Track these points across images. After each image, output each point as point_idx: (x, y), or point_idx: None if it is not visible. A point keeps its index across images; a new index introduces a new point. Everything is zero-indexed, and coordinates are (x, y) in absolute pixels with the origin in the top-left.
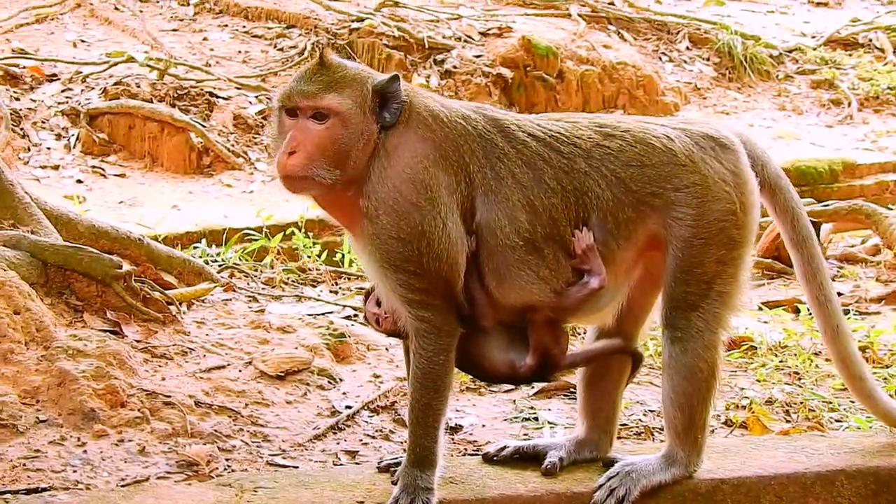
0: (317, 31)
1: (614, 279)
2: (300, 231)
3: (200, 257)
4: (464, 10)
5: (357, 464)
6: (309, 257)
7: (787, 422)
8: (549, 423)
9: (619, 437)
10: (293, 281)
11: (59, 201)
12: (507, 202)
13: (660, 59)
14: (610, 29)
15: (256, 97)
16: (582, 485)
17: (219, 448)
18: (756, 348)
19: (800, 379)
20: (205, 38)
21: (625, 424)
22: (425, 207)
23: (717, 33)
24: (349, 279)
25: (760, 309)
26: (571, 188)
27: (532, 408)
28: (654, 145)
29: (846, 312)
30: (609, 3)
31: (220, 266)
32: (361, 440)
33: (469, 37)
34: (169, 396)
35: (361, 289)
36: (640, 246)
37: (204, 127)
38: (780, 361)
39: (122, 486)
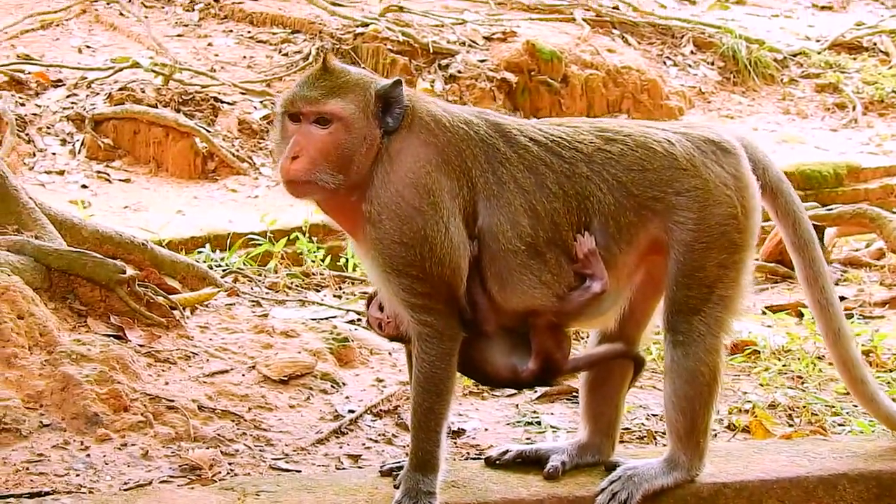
0: (321, 36)
1: (616, 283)
2: (304, 236)
3: (204, 262)
4: (468, 15)
5: (360, 468)
6: (313, 262)
7: (790, 426)
8: (551, 427)
9: (621, 441)
10: (297, 285)
11: (64, 206)
12: (509, 207)
13: (664, 63)
14: (614, 33)
15: (261, 102)
16: (584, 489)
17: (222, 452)
18: (759, 352)
19: (803, 383)
20: (210, 44)
21: (627, 428)
22: (428, 212)
23: (722, 37)
24: (353, 283)
25: (764, 313)
26: (573, 192)
27: (535, 412)
28: (655, 149)
29: (850, 316)
30: (613, 8)
31: (224, 271)
32: (364, 444)
33: (473, 41)
34: (172, 401)
35: (365, 293)
36: (641, 250)
37: (209, 132)
38: (784, 365)
39: (125, 489)
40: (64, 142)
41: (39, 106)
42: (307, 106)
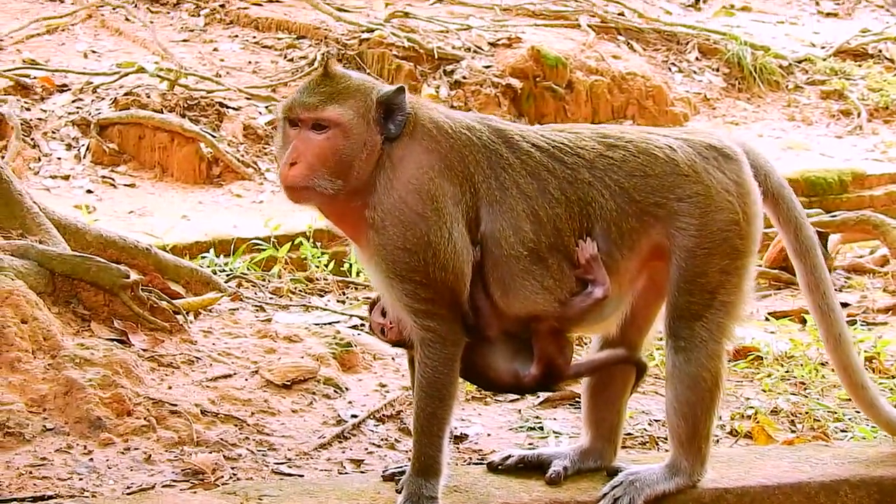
0: (327, 41)
1: (618, 289)
2: (308, 241)
3: (208, 267)
4: (473, 21)
5: (362, 472)
6: (317, 267)
7: (792, 432)
8: (554, 432)
9: (623, 447)
10: (300, 290)
11: (69, 211)
12: (511, 212)
13: (669, 69)
14: (619, 39)
15: (266, 107)
16: (586, 494)
17: (224, 456)
18: (762, 358)
19: (805, 389)
20: (215, 49)
21: (630, 434)
22: (431, 218)
23: (727, 44)
24: (357, 289)
25: (767, 319)
26: (575, 198)
27: (537, 417)
28: (656, 155)
29: (853, 323)
30: (619, 14)
31: (227, 276)
32: (367, 449)
33: (478, 47)
34: (175, 405)
35: (368, 298)
36: (643, 256)
37: (214, 137)
38: (786, 372)
39: (128, 494)
40: (69, 146)
41: (45, 111)
42: (305, 112)
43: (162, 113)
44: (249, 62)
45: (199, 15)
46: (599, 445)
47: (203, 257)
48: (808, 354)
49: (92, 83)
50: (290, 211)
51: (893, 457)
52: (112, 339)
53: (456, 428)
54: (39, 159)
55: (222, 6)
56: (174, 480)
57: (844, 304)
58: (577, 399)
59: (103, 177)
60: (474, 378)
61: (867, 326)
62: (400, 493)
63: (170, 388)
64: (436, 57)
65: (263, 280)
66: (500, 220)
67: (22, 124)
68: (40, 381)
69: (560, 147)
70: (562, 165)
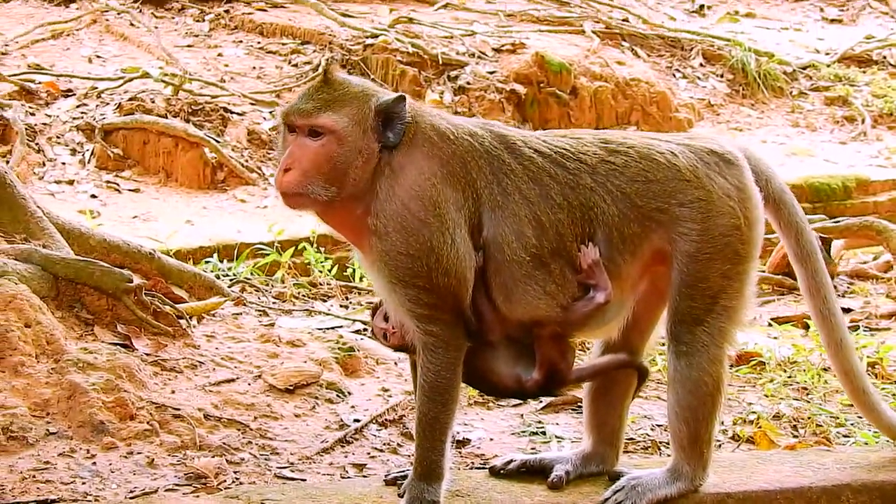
0: (331, 47)
1: (620, 294)
2: (312, 246)
3: (212, 271)
4: (477, 27)
5: (364, 477)
6: (320, 272)
7: (795, 437)
8: (556, 437)
9: (625, 451)
10: (304, 295)
11: (73, 216)
12: (514, 218)
13: (673, 75)
14: (623, 45)
15: (271, 113)
16: (588, 498)
17: (227, 461)
18: (765, 363)
19: (808, 394)
20: (219, 54)
21: (632, 438)
22: (434, 224)
23: (731, 50)
24: (360, 294)
25: (770, 325)
26: (577, 204)
27: (540, 422)
28: (658, 161)
29: (856, 328)
30: (623, 20)
31: (231, 280)
32: (369, 453)
33: (483, 53)
34: (178, 409)
35: (371, 303)
36: (645, 261)
37: (218, 142)
38: (789, 377)
39: (131, 498)
40: (74, 151)
41: (49, 116)
42: (301, 118)
43: (166, 118)
44: (254, 67)
45: (203, 20)
46: (601, 450)
47: (207, 262)
48: (810, 360)
49: (96, 88)
50: (293, 216)
51: (895, 462)
52: (115, 344)
53: (458, 432)
54: (44, 164)
55: (227, 11)
56: (177, 484)
57: (847, 310)
58: (579, 404)
59: (107, 182)
60: (476, 383)
61: (870, 332)
62: (402, 497)
63: (173, 392)
64: (440, 62)
65: (267, 285)
66: (502, 226)
67: (26, 129)
68: (44, 385)
69: (562, 152)
70: (564, 171)
